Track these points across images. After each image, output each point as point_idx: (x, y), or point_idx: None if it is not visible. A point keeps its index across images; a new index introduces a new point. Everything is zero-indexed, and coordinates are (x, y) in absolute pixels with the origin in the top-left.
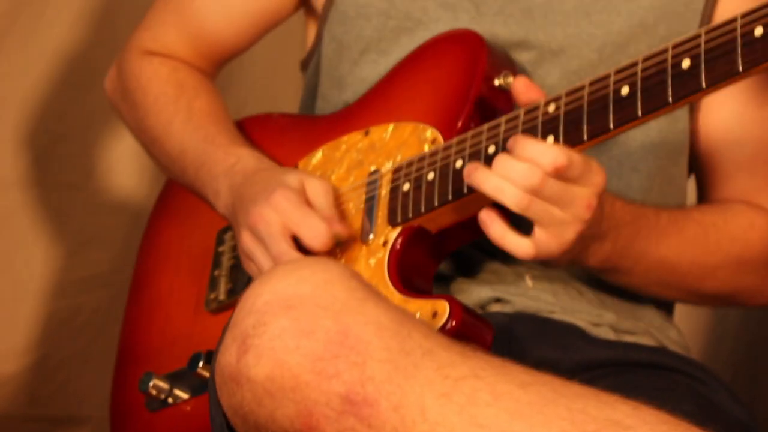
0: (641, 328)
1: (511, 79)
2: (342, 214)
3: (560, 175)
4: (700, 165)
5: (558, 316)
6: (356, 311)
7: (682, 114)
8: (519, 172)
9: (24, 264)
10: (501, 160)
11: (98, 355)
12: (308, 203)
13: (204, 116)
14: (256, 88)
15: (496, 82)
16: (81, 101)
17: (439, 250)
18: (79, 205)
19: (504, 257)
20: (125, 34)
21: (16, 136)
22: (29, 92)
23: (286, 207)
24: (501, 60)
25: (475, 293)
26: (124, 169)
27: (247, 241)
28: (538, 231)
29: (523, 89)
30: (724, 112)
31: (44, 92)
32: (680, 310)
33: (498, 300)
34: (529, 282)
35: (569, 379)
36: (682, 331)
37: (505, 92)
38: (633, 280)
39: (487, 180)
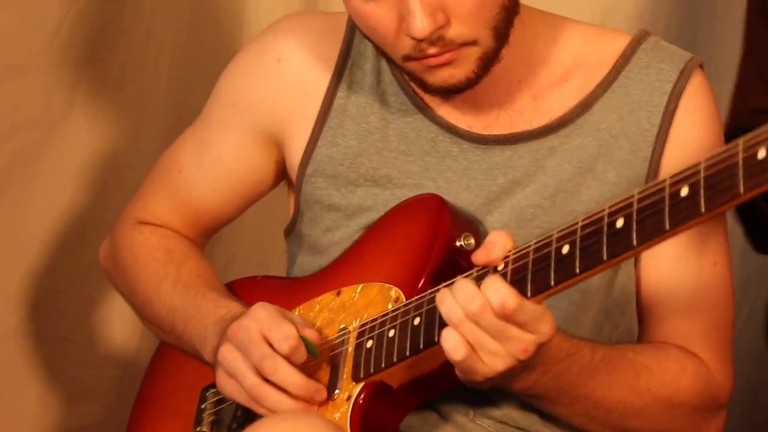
0: None
1: (472, 241)
2: (313, 369)
3: (505, 315)
4: (639, 306)
5: None
6: None
7: (627, 270)
8: (465, 294)
9: (17, 414)
10: (460, 281)
11: None
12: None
13: (194, 277)
14: (241, 252)
15: (458, 244)
16: (73, 258)
17: (401, 405)
18: (72, 357)
19: (474, 414)
20: (117, 193)
21: (11, 290)
22: (24, 248)
23: (262, 315)
24: (463, 222)
25: None
26: (115, 322)
27: (226, 354)
28: (475, 352)
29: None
30: (662, 258)
31: (36, 247)
32: None
33: None
34: None
35: None
36: None
37: (466, 252)
38: (555, 409)
39: (441, 293)
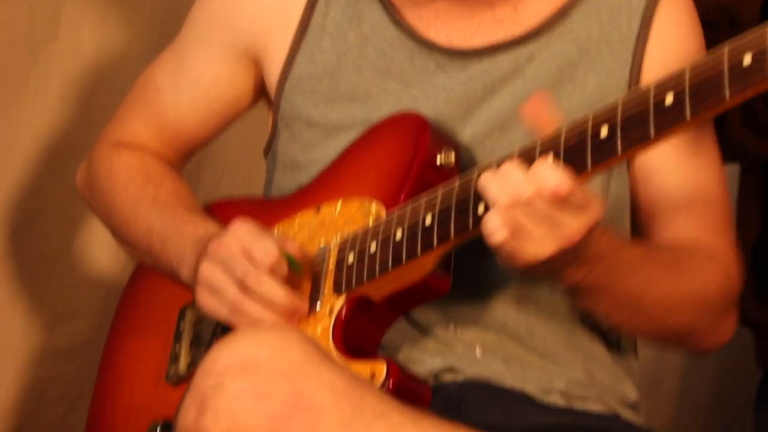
0: (593, 394)
1: (452, 156)
2: (294, 285)
3: (558, 200)
4: (640, 214)
5: (508, 383)
6: (311, 375)
7: (620, 178)
8: (514, 179)
9: (1, 335)
10: (508, 165)
11: (74, 425)
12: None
13: (171, 199)
14: (229, 171)
15: (438, 160)
16: (59, 177)
17: (383, 318)
18: (57, 277)
19: (455, 328)
20: (102, 113)
21: None
22: (8, 168)
23: (243, 230)
24: (443, 139)
25: (427, 363)
26: (100, 242)
27: (206, 271)
28: (518, 236)
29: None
30: (658, 161)
31: (23, 167)
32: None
33: (449, 370)
34: (478, 352)
35: None
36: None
37: (446, 168)
38: (599, 306)
39: (488, 176)
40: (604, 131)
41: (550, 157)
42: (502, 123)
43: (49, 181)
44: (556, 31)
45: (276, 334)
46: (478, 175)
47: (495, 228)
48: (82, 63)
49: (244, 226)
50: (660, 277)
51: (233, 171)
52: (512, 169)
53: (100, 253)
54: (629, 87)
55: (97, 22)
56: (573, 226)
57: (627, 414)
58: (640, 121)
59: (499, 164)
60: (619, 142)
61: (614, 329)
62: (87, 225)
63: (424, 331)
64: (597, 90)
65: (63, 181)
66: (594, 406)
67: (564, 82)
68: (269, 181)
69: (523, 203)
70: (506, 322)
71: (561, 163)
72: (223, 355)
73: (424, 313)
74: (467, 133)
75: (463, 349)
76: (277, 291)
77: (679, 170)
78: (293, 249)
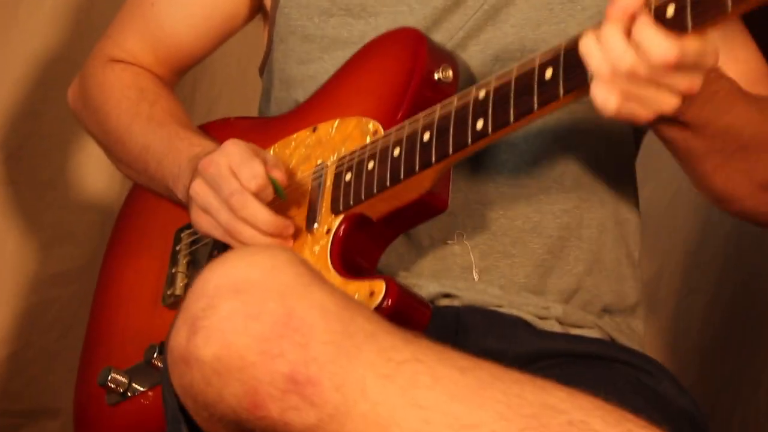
0: (589, 321)
1: (450, 71)
2: (290, 205)
3: (670, 68)
4: None
5: (505, 309)
6: (302, 295)
7: None
8: (615, 49)
9: None
10: (612, 33)
11: (69, 349)
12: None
13: (167, 116)
14: (226, 92)
15: (436, 76)
16: (54, 100)
17: (382, 236)
18: (52, 202)
19: (459, 237)
20: (97, 34)
21: None
22: (1, 91)
23: (233, 151)
24: (441, 54)
25: (424, 289)
26: (96, 166)
27: (198, 189)
28: (631, 101)
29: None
30: (739, 56)
31: (17, 91)
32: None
33: (446, 295)
34: (475, 276)
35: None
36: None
37: (444, 84)
38: (696, 145)
39: (588, 44)
40: None
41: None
42: (495, 14)
43: (44, 105)
44: None
45: (268, 254)
46: (477, 90)
47: (604, 97)
48: None
49: (235, 145)
50: (753, 113)
51: (229, 92)
52: (614, 38)
53: (96, 176)
54: None
55: None
56: (689, 80)
57: (625, 340)
58: None
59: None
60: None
61: (703, 187)
62: (83, 148)
63: (421, 249)
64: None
65: (58, 104)
66: (590, 333)
67: None
68: (265, 99)
69: (628, 72)
70: (513, 222)
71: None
72: (215, 276)
73: (422, 228)
74: (462, 31)
75: (460, 272)
76: (262, 214)
77: (736, 52)
78: (280, 176)
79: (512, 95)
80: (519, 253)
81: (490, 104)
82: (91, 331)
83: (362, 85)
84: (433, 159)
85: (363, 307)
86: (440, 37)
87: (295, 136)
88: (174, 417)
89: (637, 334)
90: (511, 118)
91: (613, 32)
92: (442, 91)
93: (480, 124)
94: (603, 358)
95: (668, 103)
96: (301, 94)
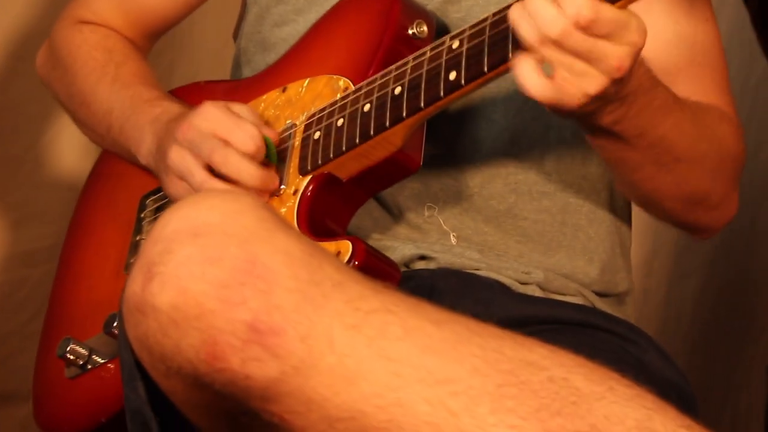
0: (572, 288)
1: (425, 27)
2: None
3: (585, 29)
4: None
5: (483, 272)
6: (265, 240)
7: None
8: (543, 18)
9: None
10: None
11: (37, 334)
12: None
13: (132, 77)
14: (207, 59)
15: (410, 31)
16: (24, 74)
17: (351, 198)
18: (22, 178)
19: (429, 212)
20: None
21: None
22: None
23: (216, 114)
24: (415, 10)
25: (398, 251)
26: (67, 143)
27: (174, 156)
28: (560, 76)
29: None
30: (654, 17)
31: None
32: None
33: (422, 257)
34: (453, 239)
35: None
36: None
37: (418, 40)
38: (630, 155)
39: (516, 12)
40: None
41: None
42: None
43: (13, 78)
44: None
45: (229, 197)
46: (450, 40)
47: (529, 69)
48: None
49: (216, 108)
50: (688, 125)
51: (208, 60)
52: (541, 6)
53: (68, 153)
54: None
55: None
56: (617, 53)
57: (609, 307)
58: None
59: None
60: None
61: (632, 195)
62: (54, 124)
63: (396, 216)
64: None
65: (27, 77)
66: (572, 300)
67: None
68: (237, 64)
69: (556, 39)
70: (487, 202)
71: None
72: (173, 220)
73: (397, 196)
74: (454, 11)
75: (437, 237)
76: (247, 167)
77: (677, 27)
78: (272, 134)
79: (486, 44)
80: (491, 232)
81: (464, 54)
82: (53, 303)
83: (333, 43)
84: (405, 113)
85: (331, 256)
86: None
87: (264, 97)
88: (130, 374)
89: (628, 298)
90: (485, 68)
91: (541, 1)
92: (416, 47)
93: (453, 75)
94: (586, 326)
95: (595, 80)
96: (275, 58)
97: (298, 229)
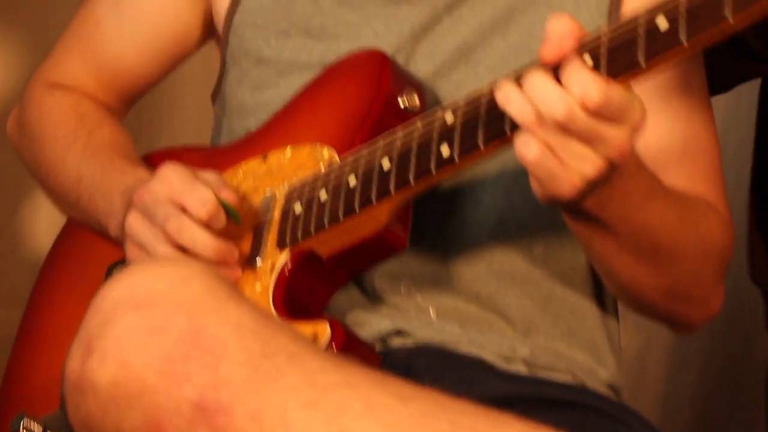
0: (561, 366)
1: (416, 98)
2: (232, 237)
3: (591, 112)
4: None
5: (464, 348)
6: (214, 310)
7: None
8: (545, 98)
9: None
10: (533, 77)
11: None
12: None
13: (104, 145)
14: (187, 122)
15: (401, 102)
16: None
17: (331, 278)
18: None
19: (407, 290)
20: None
21: None
22: None
23: (173, 178)
24: (407, 80)
25: (374, 325)
26: (37, 225)
27: (132, 222)
28: (555, 159)
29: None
30: (651, 114)
31: None
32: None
33: (399, 332)
34: (432, 314)
35: None
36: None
37: (410, 113)
38: (609, 244)
39: (507, 91)
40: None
41: (577, 63)
42: (469, 52)
43: None
44: None
45: (176, 265)
46: (443, 113)
47: (523, 144)
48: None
49: (173, 170)
50: (671, 213)
51: (187, 122)
52: (540, 81)
53: (37, 236)
54: (608, 10)
55: None
56: (619, 135)
57: (601, 389)
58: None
59: (517, 77)
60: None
61: (609, 283)
62: (24, 207)
63: (371, 294)
64: (573, 13)
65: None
66: (561, 377)
67: (538, 6)
68: (217, 129)
69: (560, 121)
70: (469, 285)
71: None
72: (115, 290)
73: (373, 275)
74: (432, 66)
75: (415, 312)
76: (202, 238)
77: (667, 115)
78: (229, 196)
79: (482, 119)
80: (473, 314)
81: (458, 128)
82: (8, 378)
83: (319, 111)
84: (393, 189)
85: (287, 327)
86: (407, 65)
87: (243, 165)
88: None
89: (620, 393)
90: (480, 144)
91: (541, 76)
92: (406, 118)
93: (445, 149)
94: (575, 405)
95: (593, 163)
96: (254, 123)
97: (272, 305)
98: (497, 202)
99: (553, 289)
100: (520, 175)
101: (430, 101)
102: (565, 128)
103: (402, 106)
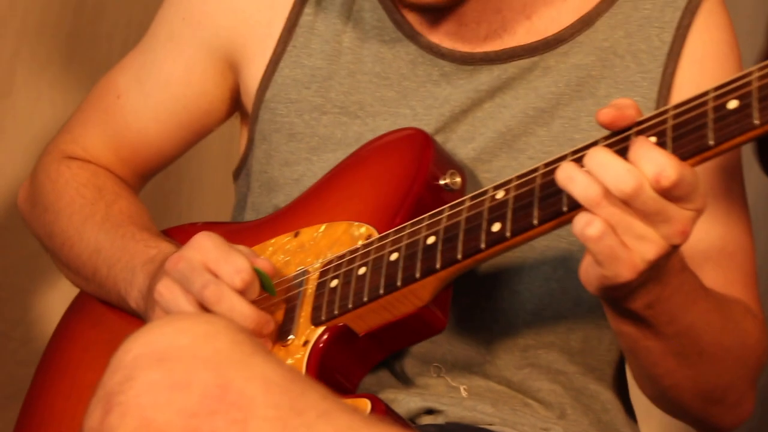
0: None
1: (458, 179)
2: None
3: (663, 190)
4: None
5: (497, 428)
6: (240, 364)
7: None
8: (609, 169)
9: None
10: (599, 153)
11: None
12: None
13: (124, 217)
14: (207, 200)
15: (442, 182)
16: (10, 248)
17: (366, 356)
18: (8, 354)
19: (437, 373)
20: None
21: None
22: None
23: (208, 245)
24: (448, 159)
25: (404, 403)
26: (54, 319)
27: (163, 289)
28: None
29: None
30: None
31: None
32: None
33: (429, 411)
34: (464, 393)
35: None
36: None
37: (451, 193)
38: (655, 345)
39: (565, 167)
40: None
41: (644, 140)
42: (512, 140)
43: (1, 252)
44: (577, 40)
45: (199, 319)
46: (494, 190)
47: (585, 222)
48: (38, 121)
49: (208, 237)
50: (714, 315)
51: (207, 200)
52: (605, 157)
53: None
54: (657, 106)
55: (58, 78)
56: (684, 217)
57: None
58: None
59: (576, 155)
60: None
61: (648, 386)
62: (42, 299)
63: (402, 377)
64: None
65: (16, 252)
66: None
67: (583, 97)
68: (240, 206)
69: (628, 195)
70: (501, 371)
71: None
72: (136, 346)
73: (403, 359)
74: (472, 150)
75: (445, 390)
76: (241, 307)
77: (707, 215)
78: (267, 266)
79: (536, 196)
80: (504, 400)
81: (510, 205)
82: None
83: (356, 189)
84: (438, 264)
85: (317, 385)
86: (446, 147)
87: (273, 241)
88: None
89: None
90: (535, 221)
91: (606, 152)
92: (446, 200)
93: (496, 227)
94: None
95: (656, 244)
96: (283, 200)
97: None
98: (534, 290)
99: (587, 384)
100: (559, 264)
101: (470, 186)
102: (630, 205)
103: (443, 185)
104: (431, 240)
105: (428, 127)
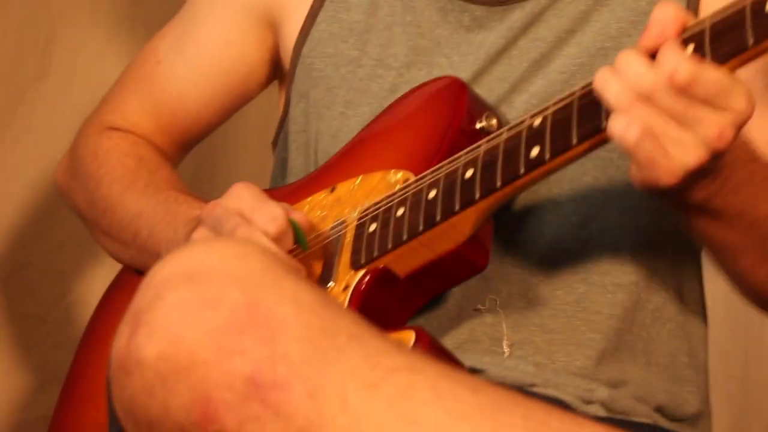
0: (641, 410)
1: (494, 121)
2: (302, 261)
3: (681, 89)
4: None
5: (539, 389)
6: (271, 285)
7: None
8: (633, 69)
9: None
10: (625, 54)
11: None
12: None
13: (166, 183)
14: (245, 170)
15: (478, 125)
16: (47, 230)
17: (408, 299)
18: (43, 338)
19: (482, 320)
20: None
21: None
22: None
23: (245, 194)
24: (483, 103)
25: None
26: (91, 302)
27: (196, 236)
28: (652, 145)
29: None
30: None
31: (8, 219)
32: None
33: (471, 370)
34: (506, 349)
35: None
36: None
37: (486, 133)
38: (729, 237)
39: (604, 73)
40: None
41: (671, 43)
42: (546, 64)
43: (37, 234)
44: None
45: (233, 241)
46: (531, 118)
47: (623, 127)
48: (73, 103)
49: (245, 186)
50: None
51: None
52: (631, 59)
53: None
54: None
55: (91, 61)
56: (716, 119)
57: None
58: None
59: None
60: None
61: (734, 281)
62: (76, 283)
63: (445, 315)
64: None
65: (52, 235)
66: (639, 419)
67: (611, 6)
68: (279, 170)
69: (647, 98)
70: (554, 291)
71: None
72: (166, 266)
73: (448, 292)
74: (509, 85)
75: (488, 344)
76: (272, 249)
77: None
78: (302, 219)
79: (575, 114)
80: (559, 329)
81: (548, 128)
82: (54, 428)
83: (391, 140)
84: (477, 195)
85: (349, 310)
86: (483, 90)
87: (309, 199)
88: None
89: (702, 422)
90: (574, 140)
91: (632, 54)
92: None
93: (536, 150)
94: None
95: (694, 151)
96: (321, 157)
97: None
98: (577, 203)
99: (639, 294)
100: (600, 172)
101: (505, 123)
102: (656, 104)
103: (479, 128)
104: (469, 173)
105: (464, 74)
